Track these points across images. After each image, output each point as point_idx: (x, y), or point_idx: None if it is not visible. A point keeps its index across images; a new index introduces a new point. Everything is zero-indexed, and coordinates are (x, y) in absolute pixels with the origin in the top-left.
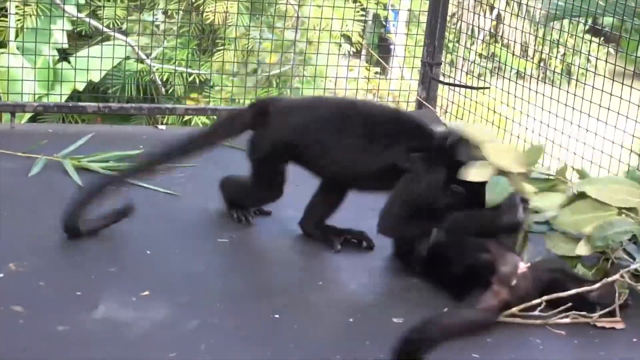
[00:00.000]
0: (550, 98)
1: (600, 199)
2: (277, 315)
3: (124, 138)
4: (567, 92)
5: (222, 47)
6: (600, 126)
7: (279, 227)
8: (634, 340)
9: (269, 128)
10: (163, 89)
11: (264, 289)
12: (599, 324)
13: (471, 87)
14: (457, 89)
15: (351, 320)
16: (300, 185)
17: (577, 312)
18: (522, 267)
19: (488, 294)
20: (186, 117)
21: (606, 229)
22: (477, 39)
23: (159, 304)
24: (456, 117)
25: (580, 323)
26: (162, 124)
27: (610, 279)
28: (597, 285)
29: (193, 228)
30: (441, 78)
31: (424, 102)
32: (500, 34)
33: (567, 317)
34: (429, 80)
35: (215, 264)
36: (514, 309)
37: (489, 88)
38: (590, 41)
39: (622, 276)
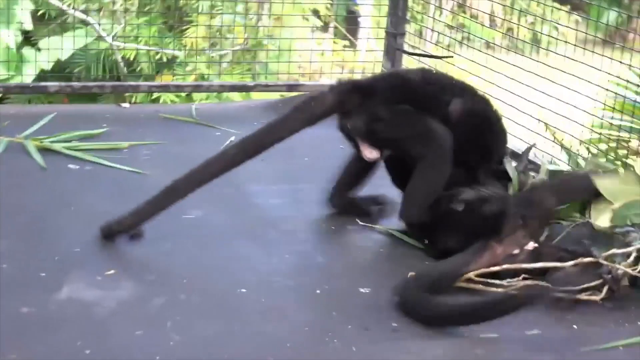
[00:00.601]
0: (519, 67)
1: None
2: (243, 290)
3: (87, 117)
4: (537, 60)
5: (189, 25)
6: (569, 93)
7: (244, 202)
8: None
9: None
10: (125, 69)
11: (230, 263)
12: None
13: (434, 57)
14: (422, 59)
15: (318, 291)
16: (265, 160)
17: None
18: (531, 245)
19: (483, 247)
20: (155, 95)
21: (630, 208)
22: (445, 9)
23: (124, 283)
24: None
25: None
26: (128, 102)
27: (579, 261)
28: (569, 264)
29: None
30: (407, 49)
31: None
32: (468, 4)
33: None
34: (393, 51)
35: (181, 240)
36: (472, 274)
37: (452, 57)
38: (557, 9)
39: (599, 260)
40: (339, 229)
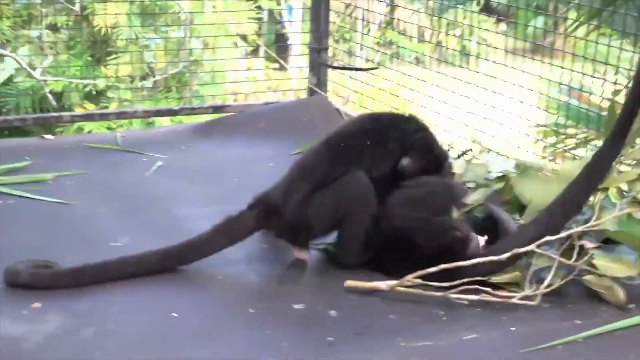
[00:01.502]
0: (450, 77)
1: None
2: (175, 314)
3: (9, 151)
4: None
5: (115, 56)
6: (500, 102)
7: (173, 226)
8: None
9: None
10: (54, 102)
11: (162, 288)
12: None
13: (359, 69)
14: (348, 73)
15: (252, 311)
16: (194, 182)
17: (486, 290)
18: (482, 240)
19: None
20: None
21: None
22: (374, 23)
23: (52, 315)
24: (353, 103)
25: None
26: (51, 134)
27: (514, 252)
28: (505, 256)
29: (85, 235)
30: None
31: (315, 89)
32: (396, 19)
33: (472, 292)
34: (318, 66)
35: None
36: (410, 276)
37: (377, 68)
38: (484, 21)
39: (533, 251)
40: (271, 247)
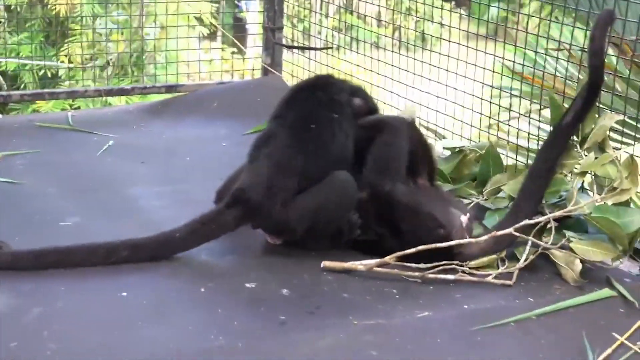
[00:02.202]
0: (405, 69)
1: None
2: (124, 294)
3: None
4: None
5: (71, 39)
6: (455, 89)
7: (125, 206)
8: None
9: None
10: (5, 85)
11: (111, 268)
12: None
13: (313, 48)
14: (302, 52)
15: (202, 290)
16: (145, 162)
17: (462, 270)
18: (465, 219)
19: None
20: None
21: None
22: (332, 4)
23: None
24: None
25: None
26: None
27: (494, 234)
28: (484, 238)
29: (34, 214)
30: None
31: (269, 68)
32: (354, 5)
33: (449, 272)
34: (272, 45)
35: None
36: (387, 258)
37: (331, 48)
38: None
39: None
40: None
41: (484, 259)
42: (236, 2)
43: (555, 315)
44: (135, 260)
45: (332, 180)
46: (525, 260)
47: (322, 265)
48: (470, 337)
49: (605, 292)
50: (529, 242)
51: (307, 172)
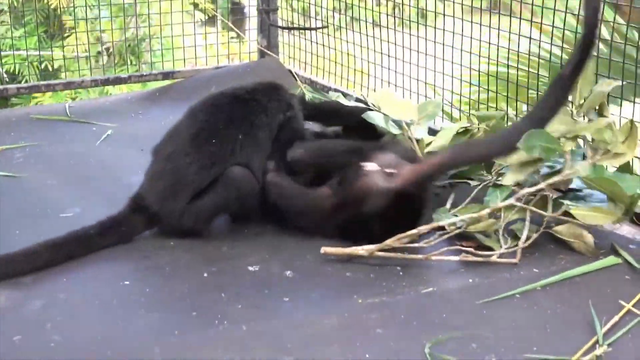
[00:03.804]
0: (404, 45)
1: None
2: (127, 282)
3: None
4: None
5: (71, 32)
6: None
7: (124, 195)
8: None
9: None
10: (6, 78)
11: (110, 256)
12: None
13: (307, 28)
14: (297, 33)
15: (205, 275)
16: (144, 150)
17: (467, 250)
18: (370, 166)
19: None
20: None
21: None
22: None
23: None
24: (305, 64)
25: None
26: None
27: (488, 210)
28: (484, 212)
29: (34, 207)
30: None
31: (265, 51)
32: None
33: (455, 253)
34: (267, 27)
35: None
36: (389, 241)
37: (326, 27)
38: None
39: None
40: None
41: (481, 224)
42: None
43: (561, 285)
44: (56, 262)
45: (226, 177)
46: (527, 239)
47: (321, 251)
48: (476, 310)
49: (611, 259)
50: (528, 218)
51: (201, 182)
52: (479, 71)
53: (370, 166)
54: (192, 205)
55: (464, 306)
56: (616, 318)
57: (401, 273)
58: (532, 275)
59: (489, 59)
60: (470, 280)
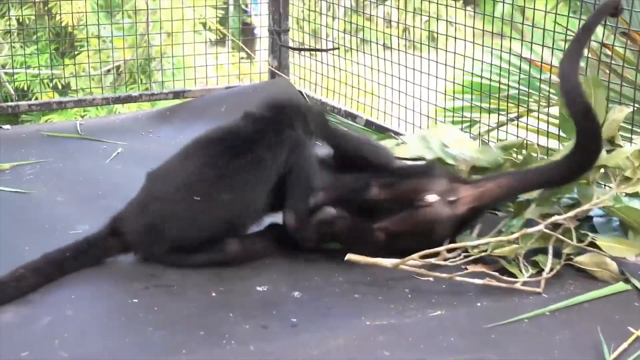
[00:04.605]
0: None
1: None
2: (135, 300)
3: None
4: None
5: (81, 50)
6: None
7: None
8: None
9: None
10: (15, 96)
11: (120, 275)
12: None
13: (318, 50)
14: (308, 54)
15: (213, 294)
16: (151, 167)
17: (491, 274)
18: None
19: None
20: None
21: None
22: (341, 6)
23: (7, 306)
24: (316, 85)
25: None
26: (9, 124)
27: (522, 233)
28: (512, 236)
29: (43, 223)
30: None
31: (276, 71)
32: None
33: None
34: (278, 48)
35: None
36: (415, 255)
37: (337, 49)
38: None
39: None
40: None
41: (506, 249)
42: (243, 7)
43: (569, 311)
44: (39, 285)
45: (220, 250)
46: (551, 270)
47: (346, 258)
48: (484, 334)
49: (620, 286)
50: (551, 247)
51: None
52: (490, 94)
53: (431, 198)
54: (173, 255)
55: (471, 330)
56: (625, 345)
57: (409, 295)
58: (540, 300)
59: (499, 82)
60: (479, 304)
